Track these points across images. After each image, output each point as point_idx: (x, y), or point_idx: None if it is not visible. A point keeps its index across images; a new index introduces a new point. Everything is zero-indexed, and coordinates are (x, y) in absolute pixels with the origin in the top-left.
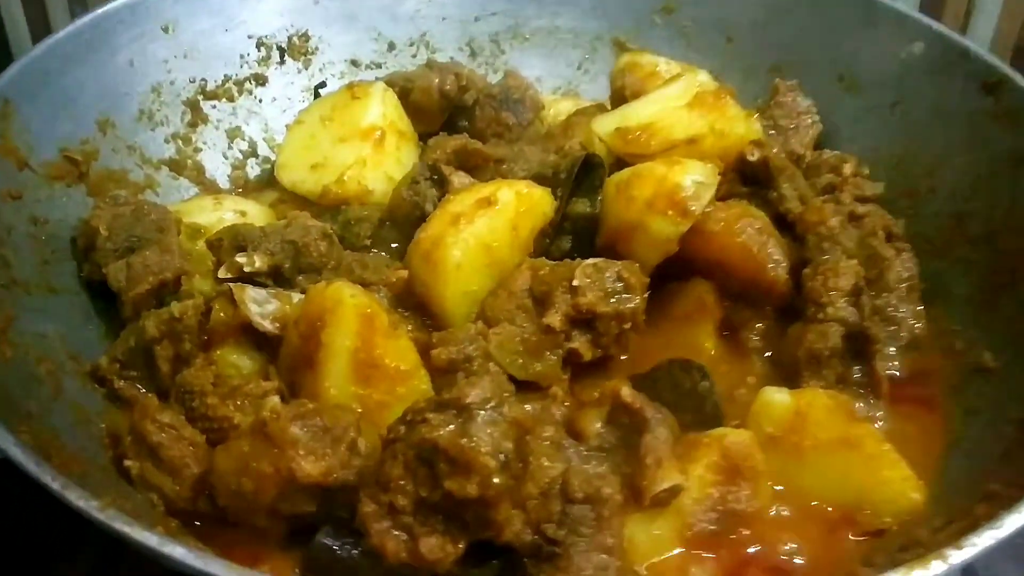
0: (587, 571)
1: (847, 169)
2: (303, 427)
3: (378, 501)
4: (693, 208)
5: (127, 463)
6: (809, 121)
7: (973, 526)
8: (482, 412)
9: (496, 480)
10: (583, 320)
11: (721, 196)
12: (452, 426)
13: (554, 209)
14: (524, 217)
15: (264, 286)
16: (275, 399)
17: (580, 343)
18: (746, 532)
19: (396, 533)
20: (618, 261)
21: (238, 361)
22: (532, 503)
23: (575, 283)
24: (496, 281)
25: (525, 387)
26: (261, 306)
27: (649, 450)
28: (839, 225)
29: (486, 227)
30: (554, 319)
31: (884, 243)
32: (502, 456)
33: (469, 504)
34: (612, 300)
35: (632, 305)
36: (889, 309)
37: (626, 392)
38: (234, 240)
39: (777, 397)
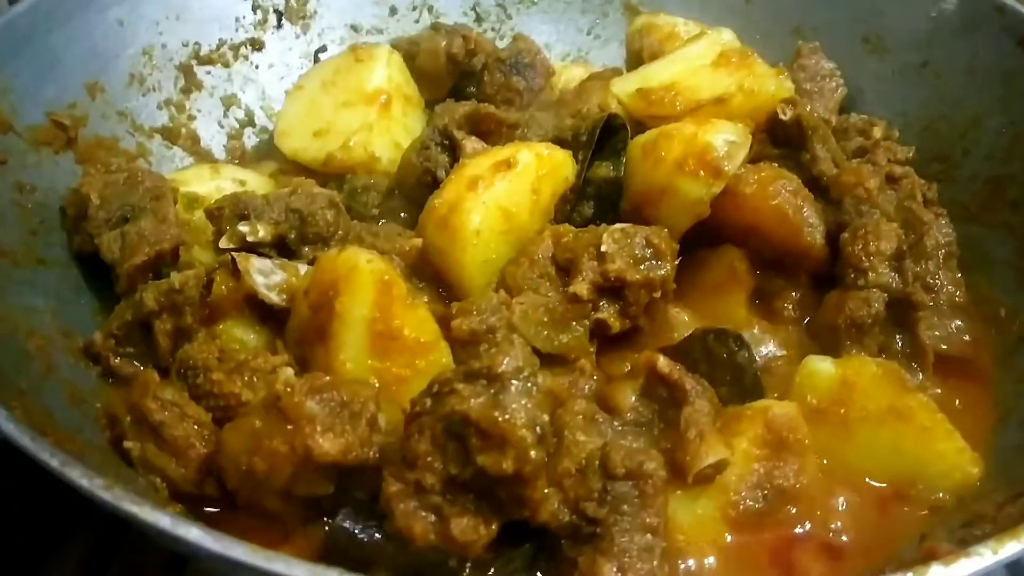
0: (631, 552)
1: (876, 132)
2: (320, 401)
3: (404, 480)
4: (726, 168)
5: (127, 444)
6: (833, 85)
7: None
8: (515, 382)
9: (533, 454)
10: (611, 289)
11: (750, 159)
12: (483, 397)
13: (575, 173)
14: (545, 180)
15: (267, 257)
16: (288, 371)
17: (608, 313)
18: (793, 510)
19: (424, 514)
20: (646, 226)
21: (243, 335)
22: (569, 480)
23: (603, 249)
24: (515, 249)
25: (549, 361)
26: (267, 277)
27: (691, 423)
28: (877, 187)
29: (505, 191)
30: (581, 288)
31: (923, 206)
32: (538, 429)
33: (503, 482)
34: (642, 267)
35: (663, 272)
36: (928, 277)
37: (663, 363)
38: (235, 209)
39: (822, 366)
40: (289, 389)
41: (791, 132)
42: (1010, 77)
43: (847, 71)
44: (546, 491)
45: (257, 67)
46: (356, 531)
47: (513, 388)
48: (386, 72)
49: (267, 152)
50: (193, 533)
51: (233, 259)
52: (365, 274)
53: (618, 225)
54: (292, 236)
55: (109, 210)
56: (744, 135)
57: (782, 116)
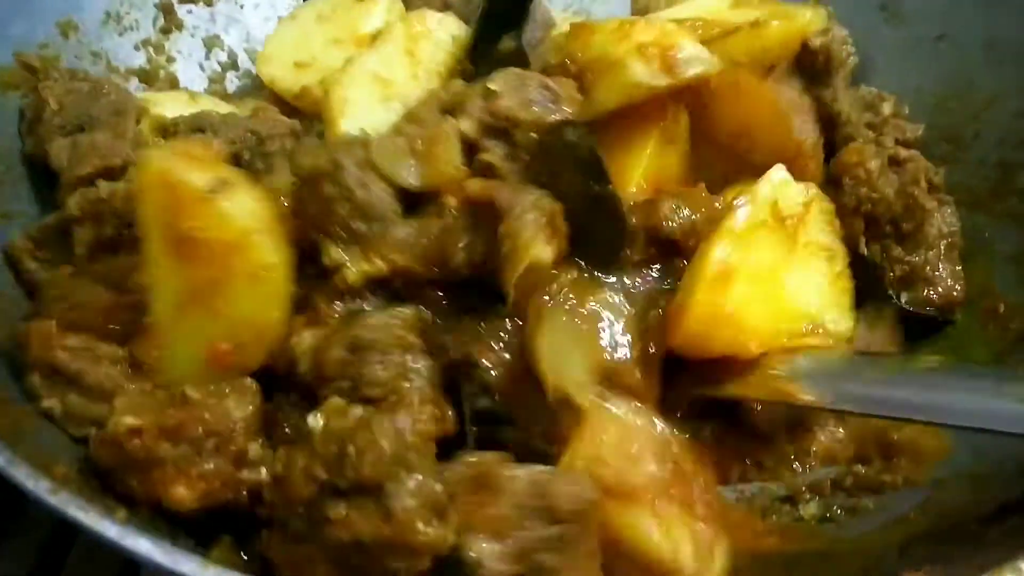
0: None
1: (886, 108)
2: (173, 443)
3: None
4: (679, 71)
5: (45, 404)
6: (844, 54)
7: None
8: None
9: (439, 536)
10: (499, 130)
11: None
12: (367, 510)
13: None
14: (421, 41)
15: None
16: (128, 419)
17: (495, 156)
18: None
19: None
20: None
21: None
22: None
23: (491, 87)
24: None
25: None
26: None
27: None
28: (878, 169)
29: (375, 57)
30: (466, 125)
31: (926, 193)
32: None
33: None
34: (534, 108)
35: (559, 116)
36: (927, 268)
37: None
38: (192, 124)
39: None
40: (132, 433)
41: (817, 64)
42: None
43: (861, 39)
44: None
45: (243, 7)
46: None
47: (392, 490)
48: (385, 17)
49: (249, 97)
50: (143, 545)
51: None
52: (153, 176)
53: (514, 69)
54: (247, 156)
55: (65, 117)
56: (713, 64)
57: (811, 43)
